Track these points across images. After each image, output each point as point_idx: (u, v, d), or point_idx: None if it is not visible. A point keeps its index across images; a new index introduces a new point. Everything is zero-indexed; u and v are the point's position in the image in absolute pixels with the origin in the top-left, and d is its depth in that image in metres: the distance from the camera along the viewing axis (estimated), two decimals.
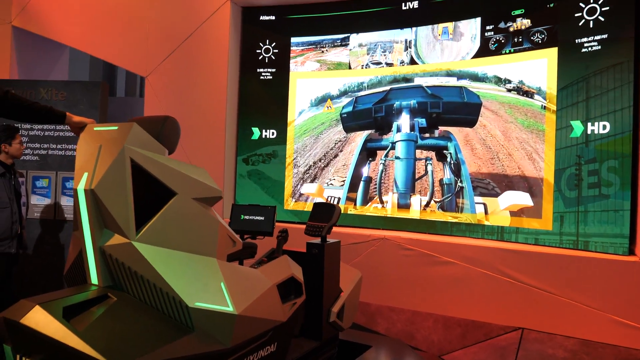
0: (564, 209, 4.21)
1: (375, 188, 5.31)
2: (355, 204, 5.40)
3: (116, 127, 2.32)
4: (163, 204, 2.26)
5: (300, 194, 5.68)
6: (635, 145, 3.87)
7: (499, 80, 4.69)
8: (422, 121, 5.12)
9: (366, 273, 4.25)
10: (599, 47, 4.05)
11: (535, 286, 4.09)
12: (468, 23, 4.89)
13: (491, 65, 4.73)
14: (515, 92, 4.60)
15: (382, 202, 5.25)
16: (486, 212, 4.70)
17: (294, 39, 5.79)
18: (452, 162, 4.93)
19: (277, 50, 5.81)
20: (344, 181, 5.46)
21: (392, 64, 5.32)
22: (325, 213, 3.43)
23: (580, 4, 4.16)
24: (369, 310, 4.83)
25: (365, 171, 5.39)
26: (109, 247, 2.19)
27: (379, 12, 5.37)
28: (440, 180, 4.99)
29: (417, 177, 5.12)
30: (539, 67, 4.43)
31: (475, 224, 4.73)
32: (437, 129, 5.06)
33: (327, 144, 5.61)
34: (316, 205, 3.59)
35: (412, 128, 5.16)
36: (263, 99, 5.84)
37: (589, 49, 4.11)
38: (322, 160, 5.61)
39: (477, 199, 4.75)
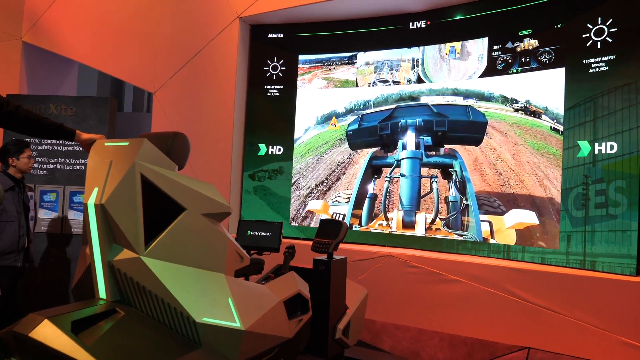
0: (571, 228, 4.20)
1: (381, 205, 5.31)
2: (360, 221, 5.39)
3: (127, 143, 2.34)
4: (172, 219, 2.27)
5: (304, 217, 5.68)
6: None
7: (505, 100, 4.71)
8: (428, 139, 5.14)
9: (372, 290, 4.24)
10: (607, 68, 4.07)
11: (541, 305, 4.06)
12: (475, 43, 4.93)
13: (498, 85, 4.75)
14: (523, 112, 4.61)
15: (387, 219, 5.25)
16: (492, 230, 4.69)
17: (301, 57, 5.84)
18: (457, 179, 4.94)
19: (284, 68, 5.86)
20: (349, 198, 5.47)
21: (399, 82, 5.35)
22: (332, 230, 3.44)
23: (588, 25, 4.19)
24: (374, 327, 4.80)
25: (371, 188, 5.40)
26: (118, 262, 2.20)
27: (387, 31, 5.42)
28: (446, 198, 4.99)
29: (422, 194, 5.12)
30: (546, 87, 4.45)
31: (481, 242, 4.72)
32: (443, 147, 5.07)
33: (329, 166, 5.63)
34: (323, 221, 3.59)
35: (417, 146, 5.18)
36: (270, 116, 5.88)
37: (597, 69, 4.13)
38: (324, 184, 5.62)
39: (483, 216, 4.74)
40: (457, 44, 5.04)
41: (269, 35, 5.90)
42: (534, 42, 4.55)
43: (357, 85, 5.58)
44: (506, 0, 4.71)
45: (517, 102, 4.65)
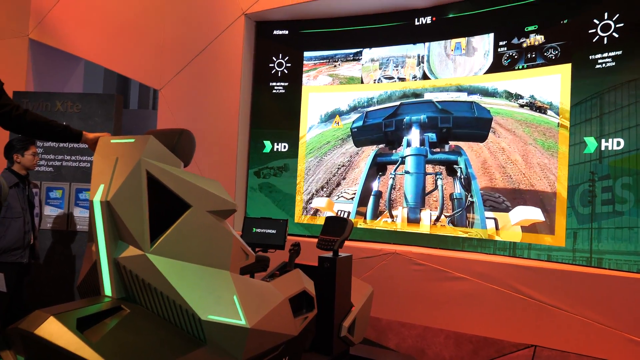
0: (577, 225, 4.18)
1: (385, 202, 5.30)
2: (365, 218, 5.39)
3: (133, 140, 2.34)
4: (178, 216, 2.27)
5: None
6: None
7: (509, 96, 4.69)
8: (432, 136, 5.12)
9: (377, 287, 4.23)
10: (613, 64, 4.04)
11: (548, 303, 4.05)
12: (481, 39, 4.90)
13: (503, 81, 4.73)
14: (528, 108, 4.59)
15: (392, 216, 5.24)
16: (497, 227, 4.67)
17: (306, 53, 5.83)
18: (462, 176, 4.92)
19: (289, 64, 5.85)
20: (354, 194, 5.46)
21: (404, 78, 5.33)
22: (337, 227, 3.43)
23: (595, 21, 4.16)
24: (379, 325, 4.80)
25: (375, 185, 5.39)
26: (123, 259, 2.20)
27: (392, 27, 5.41)
28: (451, 195, 4.97)
29: (427, 191, 5.11)
30: (552, 83, 4.43)
31: (486, 240, 4.71)
32: (448, 143, 5.05)
33: (329, 169, 5.62)
34: (328, 219, 3.59)
35: (422, 143, 5.16)
36: (275, 113, 5.87)
37: (603, 65, 4.10)
38: (325, 189, 5.62)
39: (488, 213, 4.73)
40: (462, 40, 5.02)
41: (274, 32, 5.89)
42: (540, 38, 4.53)
43: (362, 82, 5.56)
44: None
45: (521, 97, 4.63)
